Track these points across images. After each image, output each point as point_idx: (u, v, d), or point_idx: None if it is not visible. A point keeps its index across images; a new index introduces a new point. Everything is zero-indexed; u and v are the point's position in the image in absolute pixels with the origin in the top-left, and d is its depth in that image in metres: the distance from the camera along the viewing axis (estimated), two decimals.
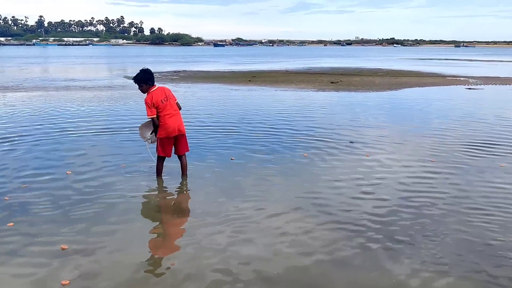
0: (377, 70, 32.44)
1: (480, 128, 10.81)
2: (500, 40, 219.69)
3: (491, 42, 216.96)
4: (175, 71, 30.95)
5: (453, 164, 7.53)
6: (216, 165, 7.37)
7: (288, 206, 5.58)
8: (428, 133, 10.09)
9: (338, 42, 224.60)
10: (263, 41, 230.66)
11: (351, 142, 9.00)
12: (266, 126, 10.88)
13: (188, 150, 6.71)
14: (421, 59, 57.79)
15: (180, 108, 6.60)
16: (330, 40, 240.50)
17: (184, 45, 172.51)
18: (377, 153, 8.20)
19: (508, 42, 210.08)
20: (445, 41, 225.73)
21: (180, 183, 6.50)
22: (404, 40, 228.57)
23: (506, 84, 22.60)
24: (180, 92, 18.04)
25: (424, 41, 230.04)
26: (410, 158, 7.92)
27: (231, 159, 7.74)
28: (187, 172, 6.72)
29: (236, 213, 5.34)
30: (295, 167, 7.36)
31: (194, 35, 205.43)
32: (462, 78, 25.78)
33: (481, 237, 4.74)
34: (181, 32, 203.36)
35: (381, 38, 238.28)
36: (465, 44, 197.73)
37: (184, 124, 6.61)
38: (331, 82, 22.34)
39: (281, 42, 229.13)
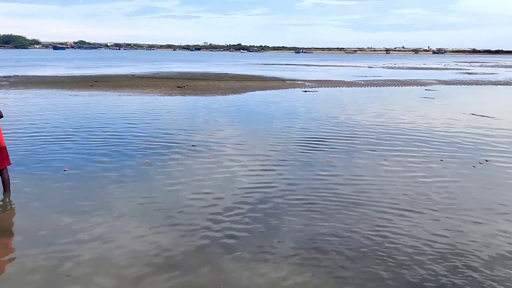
0: (223, 75, 33.37)
1: (313, 126, 11.79)
2: (333, 47, 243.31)
3: (326, 48, 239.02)
4: (4, 76, 27.85)
5: (287, 160, 8.07)
6: (45, 178, 6.77)
7: (124, 214, 5.37)
8: (268, 133, 10.67)
9: (187, 47, 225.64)
10: (109, 44, 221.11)
11: (193, 145, 9.06)
12: (107, 132, 10.38)
13: (9, 164, 6.04)
14: (264, 64, 61.13)
15: (1, 117, 5.92)
16: (180, 44, 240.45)
17: (18, 48, 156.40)
18: (219, 154, 8.39)
19: (340, 48, 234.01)
20: (286, 47, 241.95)
21: (2, 200, 5.81)
22: (250, 46, 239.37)
23: (336, 86, 25.10)
24: (10, 99, 16.34)
25: (268, 47, 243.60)
26: (249, 157, 8.26)
27: (64, 170, 7.18)
28: (10, 188, 6.04)
29: (63, 230, 4.95)
30: (136, 173, 7.14)
31: (29, 37, 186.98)
32: (299, 82, 27.90)
33: (308, 225, 5.14)
34: (14, 33, 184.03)
35: (228, 44, 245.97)
36: (304, 50, 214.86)
37: (12, 133, 5.96)
38: (178, 87, 22.33)
39: (128, 46, 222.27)
